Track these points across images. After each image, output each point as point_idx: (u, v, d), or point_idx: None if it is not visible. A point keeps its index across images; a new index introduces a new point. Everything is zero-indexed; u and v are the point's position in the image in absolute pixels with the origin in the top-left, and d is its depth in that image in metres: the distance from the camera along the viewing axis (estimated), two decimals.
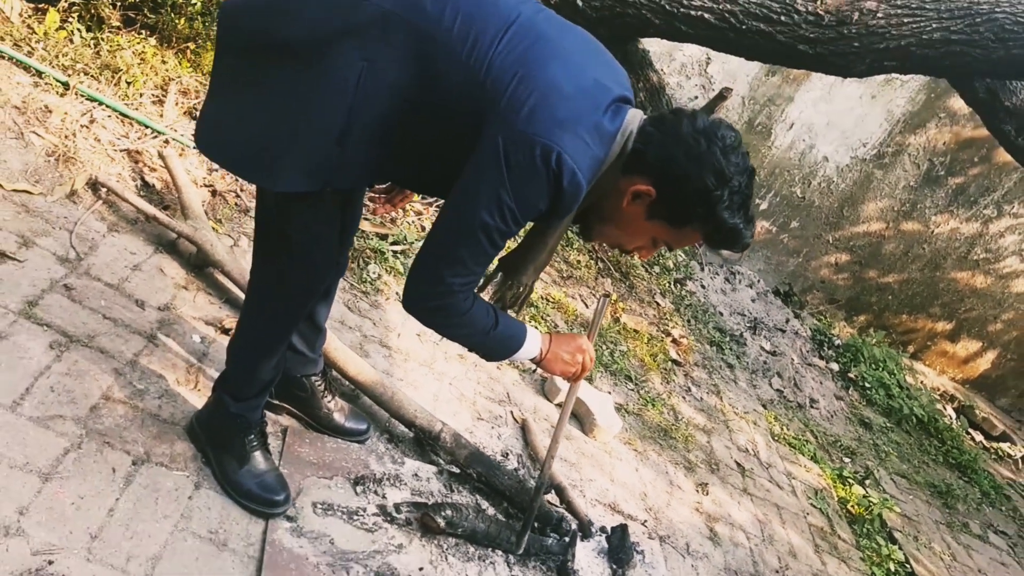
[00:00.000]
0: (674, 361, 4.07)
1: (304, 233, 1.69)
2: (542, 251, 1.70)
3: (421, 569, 2.02)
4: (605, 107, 1.45)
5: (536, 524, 2.32)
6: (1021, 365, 6.70)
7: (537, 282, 1.97)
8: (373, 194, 1.98)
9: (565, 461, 2.80)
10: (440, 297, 1.56)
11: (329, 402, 2.24)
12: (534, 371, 3.20)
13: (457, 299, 1.57)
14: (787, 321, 5.53)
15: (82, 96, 2.78)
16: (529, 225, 1.72)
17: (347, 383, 2.43)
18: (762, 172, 5.60)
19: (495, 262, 1.73)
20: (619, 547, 2.36)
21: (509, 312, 1.81)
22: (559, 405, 3.07)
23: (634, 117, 1.50)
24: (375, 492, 2.16)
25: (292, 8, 1.47)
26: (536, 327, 2.68)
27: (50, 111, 2.65)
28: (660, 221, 1.54)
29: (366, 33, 1.41)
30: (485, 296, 1.79)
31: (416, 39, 1.41)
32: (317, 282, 1.85)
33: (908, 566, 3.51)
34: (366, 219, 3.28)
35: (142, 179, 2.76)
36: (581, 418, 3.08)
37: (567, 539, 2.29)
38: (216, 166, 2.95)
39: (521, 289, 1.77)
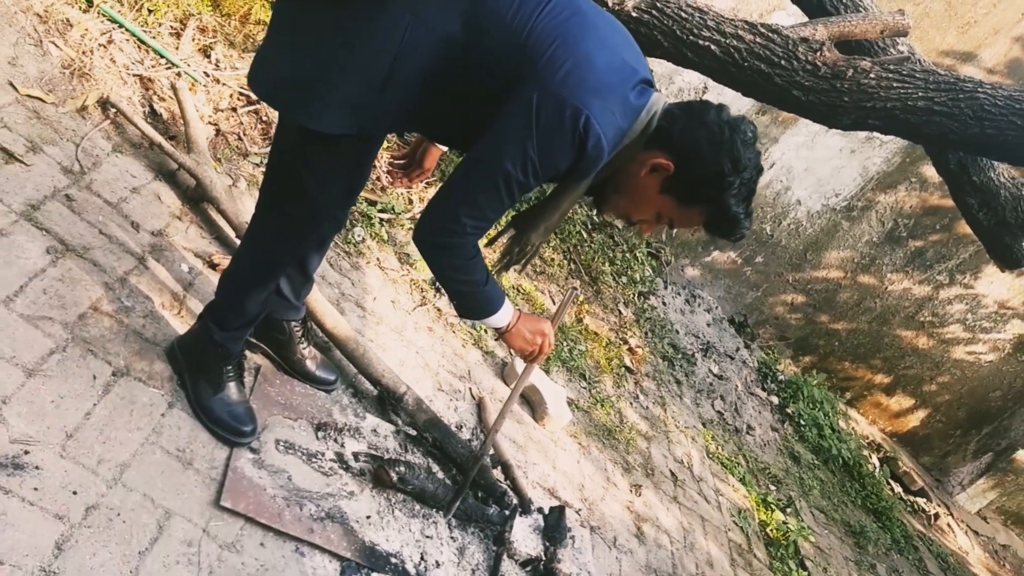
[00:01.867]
0: (627, 368, 4.23)
1: (315, 178, 1.77)
2: (554, 213, 1.76)
3: (368, 517, 2.13)
4: (632, 85, 1.56)
5: (481, 494, 2.45)
6: (948, 428, 6.99)
7: (543, 245, 1.99)
8: (391, 166, 2.09)
9: (514, 443, 2.93)
10: (451, 235, 1.64)
11: (304, 349, 2.34)
12: (496, 340, 3.32)
13: (467, 241, 1.65)
14: (737, 350, 5.74)
15: (104, 16, 2.82)
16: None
17: (322, 335, 2.52)
18: None
19: (508, 217, 1.82)
20: (554, 526, 2.50)
21: (513, 268, 1.93)
22: None
23: (659, 99, 1.61)
24: (335, 440, 2.26)
25: None
26: None
27: (71, 25, 2.69)
28: (670, 196, 1.64)
29: None
30: (494, 250, 1.88)
31: None
32: (314, 228, 1.94)
33: None
34: None
35: (151, 107, 2.81)
36: (534, 405, 3.22)
37: (507, 512, 2.42)
38: (224, 106, 3.01)
39: (528, 247, 1.85)
